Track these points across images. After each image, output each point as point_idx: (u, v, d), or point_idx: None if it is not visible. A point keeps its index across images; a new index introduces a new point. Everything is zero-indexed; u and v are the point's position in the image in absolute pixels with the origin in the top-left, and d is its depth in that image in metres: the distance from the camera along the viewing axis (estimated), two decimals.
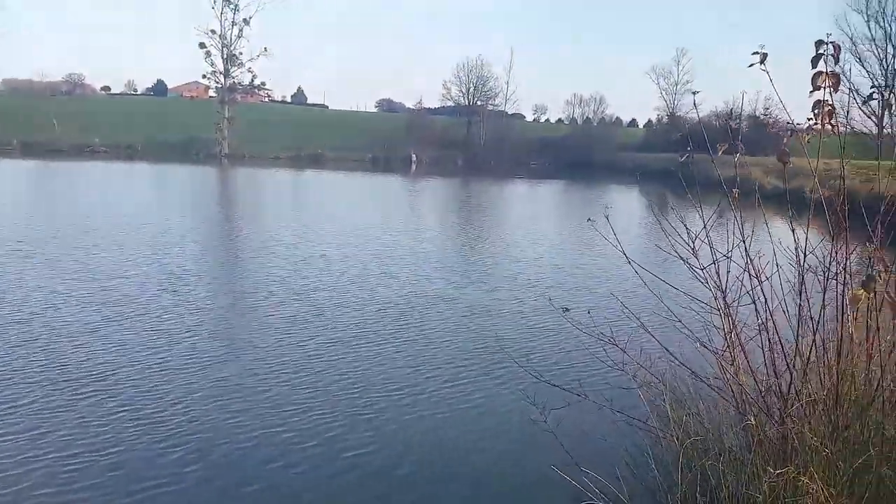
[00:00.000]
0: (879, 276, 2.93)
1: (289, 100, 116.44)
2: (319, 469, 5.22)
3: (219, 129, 63.50)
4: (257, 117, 70.53)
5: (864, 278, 2.92)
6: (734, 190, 4.01)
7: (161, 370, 7.13)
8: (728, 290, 4.18)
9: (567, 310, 4.65)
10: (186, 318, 9.18)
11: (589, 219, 4.85)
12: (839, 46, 4.36)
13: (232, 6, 64.45)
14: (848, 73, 58.16)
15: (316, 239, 16.84)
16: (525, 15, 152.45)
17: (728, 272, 4.19)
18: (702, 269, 4.25)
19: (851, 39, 60.78)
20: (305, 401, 6.50)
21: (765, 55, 4.36)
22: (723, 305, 4.10)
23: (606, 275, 13.56)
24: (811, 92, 4.03)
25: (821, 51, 3.89)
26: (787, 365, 3.62)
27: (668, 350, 4.35)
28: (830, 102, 4.15)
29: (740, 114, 74.97)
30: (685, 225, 4.34)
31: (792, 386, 3.64)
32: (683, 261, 4.25)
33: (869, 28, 59.73)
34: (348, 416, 6.22)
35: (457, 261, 14.30)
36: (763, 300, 4.09)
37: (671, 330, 4.51)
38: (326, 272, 12.62)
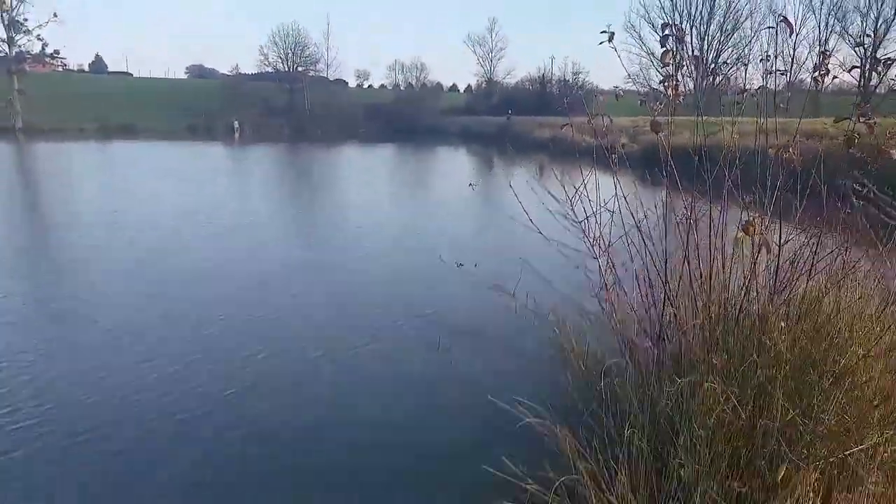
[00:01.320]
0: (753, 220, 3.65)
1: (86, 69, 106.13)
2: (228, 439, 5.25)
3: (9, 102, 56.70)
4: (54, 89, 63.86)
5: (743, 223, 3.62)
6: (620, 147, 4.57)
7: None
8: (601, 239, 4.81)
9: (461, 265, 5.06)
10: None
11: (471, 184, 5.27)
12: (682, 29, 5.10)
13: None
14: (643, 38, 64.39)
15: (159, 216, 15.92)
16: None
17: (598, 224, 4.82)
18: (579, 223, 4.83)
19: (644, 7, 66.97)
20: (200, 380, 6.39)
21: (612, 34, 4.98)
22: (601, 249, 4.72)
23: (482, 234, 14.14)
24: (663, 66, 4.72)
25: (666, 32, 4.56)
26: (665, 292, 4.32)
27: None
28: (676, 77, 4.90)
29: (551, 79, 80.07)
30: (563, 185, 4.86)
31: (666, 310, 4.37)
32: (564, 216, 4.80)
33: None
34: (255, 388, 6.22)
35: (329, 229, 14.15)
36: (633, 245, 4.79)
37: (555, 278, 5.07)
38: (194, 248, 12.00)
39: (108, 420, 5.30)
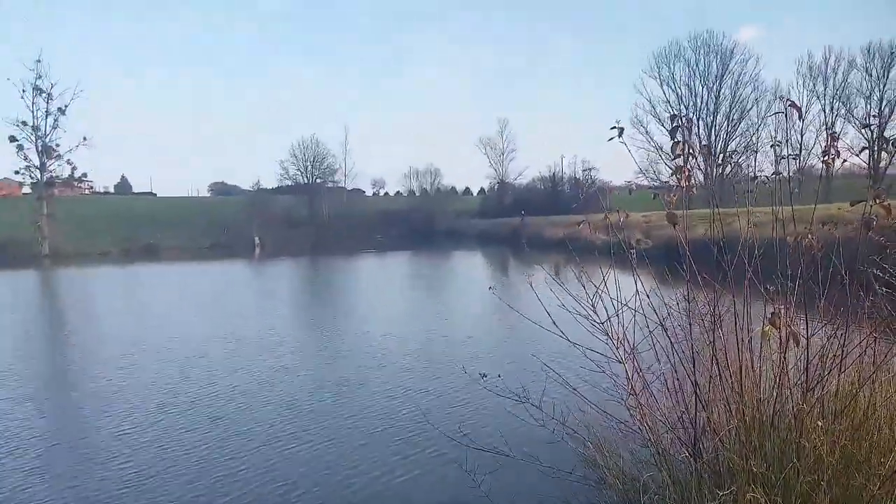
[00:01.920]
0: (779, 313, 3.51)
1: (112, 190, 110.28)
2: None
3: (38, 227, 58.35)
4: (80, 212, 66.07)
5: (769, 316, 3.49)
6: (635, 244, 4.50)
7: None
8: (624, 340, 4.66)
9: (484, 376, 4.92)
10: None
11: (490, 287, 5.21)
12: (691, 119, 5.17)
13: (45, 95, 60.23)
14: (650, 132, 66.21)
15: (178, 346, 15.91)
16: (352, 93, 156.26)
17: (621, 324, 4.68)
18: (602, 323, 4.70)
19: (650, 101, 69.34)
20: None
21: (622, 129, 5.04)
22: (625, 352, 4.57)
23: (504, 341, 13.92)
24: (674, 158, 4.73)
25: (675, 123, 4.59)
26: (696, 395, 4.11)
27: (584, 397, 4.72)
28: (688, 168, 4.90)
29: (562, 177, 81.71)
30: (583, 285, 4.78)
31: (698, 415, 4.15)
32: (585, 317, 4.67)
33: (663, 91, 68.45)
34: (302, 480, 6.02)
35: (351, 344, 14.01)
36: (658, 344, 4.62)
37: (579, 383, 4.89)
38: (214, 376, 11.85)
39: None
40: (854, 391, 3.86)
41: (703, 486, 3.62)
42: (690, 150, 4.67)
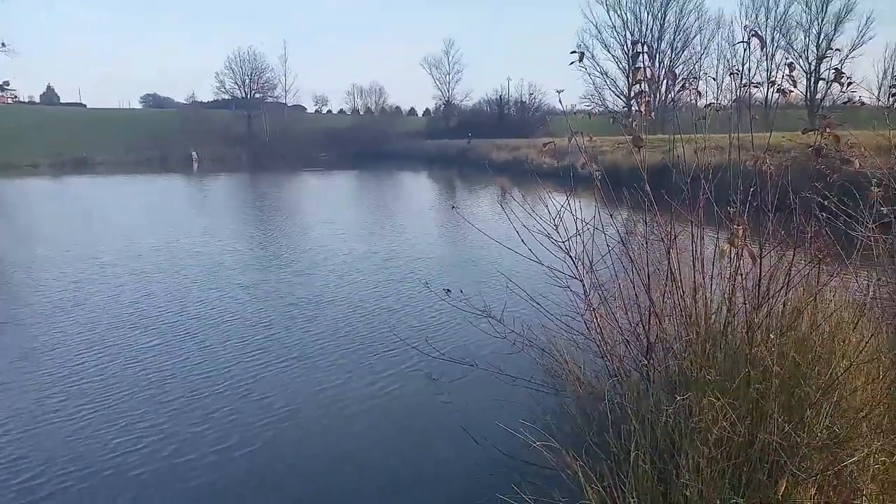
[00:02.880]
0: (737, 234, 3.71)
1: (38, 100, 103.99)
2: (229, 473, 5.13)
3: None
4: (4, 122, 62.40)
5: (728, 235, 3.68)
6: (594, 173, 4.59)
7: None
8: (584, 259, 4.82)
9: (448, 291, 5.04)
10: None
11: (453, 206, 5.26)
12: (653, 46, 5.20)
13: None
14: (596, 57, 66.21)
15: (142, 257, 15.52)
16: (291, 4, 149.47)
17: (581, 243, 4.83)
18: (563, 242, 4.83)
19: (596, 26, 69.20)
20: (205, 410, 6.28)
21: (582, 53, 5.06)
22: (584, 269, 4.73)
23: (464, 259, 14.05)
24: (634, 83, 4.79)
25: (637, 50, 4.64)
26: (651, 309, 4.35)
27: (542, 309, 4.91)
28: (648, 93, 4.98)
29: (508, 99, 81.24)
30: (545, 205, 4.87)
31: (652, 329, 4.40)
32: (548, 236, 4.79)
33: (610, 17, 68.18)
34: (253, 419, 6.16)
35: (311, 262, 13.88)
36: (615, 263, 4.82)
37: (539, 299, 5.06)
38: (188, 289, 11.63)
39: None
40: (801, 307, 4.13)
41: (657, 394, 3.86)
42: (651, 76, 4.75)
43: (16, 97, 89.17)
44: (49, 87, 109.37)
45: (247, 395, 6.63)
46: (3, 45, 56.76)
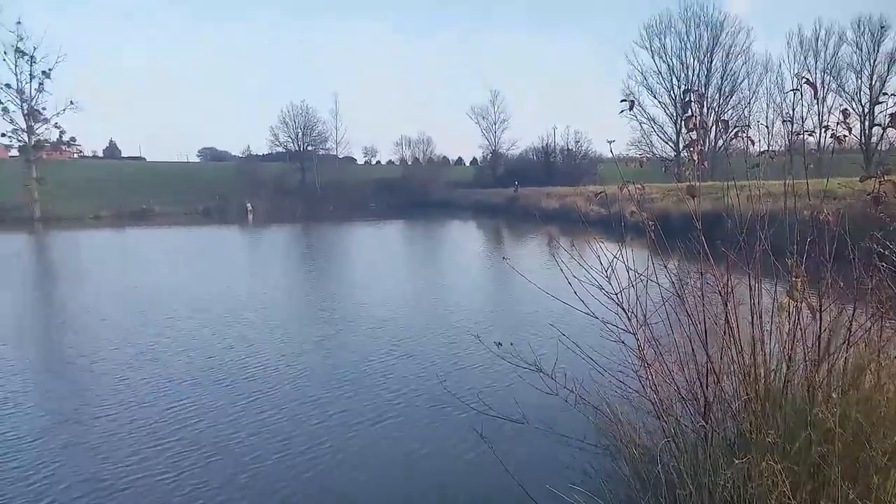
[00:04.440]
0: (797, 286, 3.60)
1: (101, 154, 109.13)
2: None
3: (28, 191, 57.94)
4: (70, 175, 65.39)
5: (787, 287, 3.58)
6: (649, 220, 4.54)
7: None
8: (637, 312, 4.73)
9: (499, 344, 4.99)
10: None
11: (504, 257, 5.26)
12: (703, 94, 5.19)
13: (27, 58, 59.27)
14: (642, 103, 66.15)
15: (197, 312, 15.95)
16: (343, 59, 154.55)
17: (635, 295, 4.75)
18: (616, 294, 4.76)
19: (641, 73, 69.30)
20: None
21: (633, 102, 5.08)
22: (637, 323, 4.64)
23: (514, 311, 14.05)
24: (688, 131, 4.76)
25: (687, 98, 4.62)
26: (708, 366, 4.22)
27: (596, 364, 4.82)
28: (700, 142, 4.94)
29: (554, 147, 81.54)
30: (597, 256, 4.82)
31: (710, 387, 4.26)
32: (600, 288, 4.73)
33: (655, 63, 68.30)
34: (299, 470, 6.20)
35: (360, 314, 13.99)
36: (670, 316, 4.71)
37: (592, 353, 4.97)
38: (245, 343, 11.91)
39: None
40: (863, 365, 3.96)
41: (715, 457, 3.72)
42: (703, 124, 4.72)
43: (81, 152, 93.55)
44: (111, 142, 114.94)
45: (283, 453, 6.65)
46: (71, 102, 60.30)
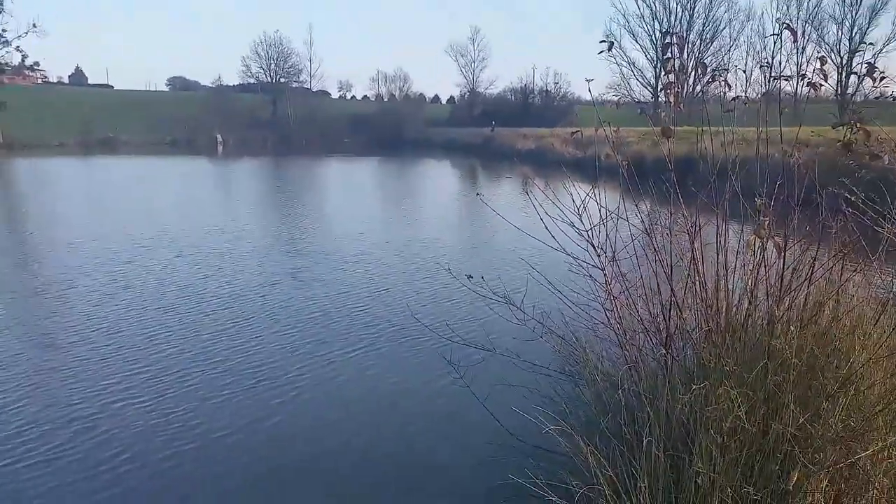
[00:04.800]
0: (765, 225, 3.73)
1: (66, 80, 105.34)
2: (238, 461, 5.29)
3: None
4: (33, 101, 63.35)
5: (755, 226, 3.71)
6: (623, 162, 4.61)
7: None
8: (606, 248, 4.86)
9: (470, 277, 5.12)
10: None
11: (478, 193, 5.32)
12: (682, 37, 5.21)
13: None
14: (623, 47, 65.53)
15: (177, 238, 15.78)
16: None
17: (605, 232, 4.87)
18: (587, 231, 4.87)
19: (624, 16, 68.49)
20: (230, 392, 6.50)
21: (612, 43, 5.08)
22: (606, 258, 4.77)
23: (486, 246, 14.26)
24: (666, 73, 4.80)
25: (668, 40, 4.65)
26: (672, 300, 4.39)
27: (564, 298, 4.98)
28: (677, 84, 4.99)
29: (533, 88, 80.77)
30: (570, 193, 4.91)
31: (672, 319, 4.44)
32: (571, 225, 4.84)
33: (638, 6, 67.44)
34: (272, 396, 6.37)
35: (334, 244, 14.08)
36: (637, 254, 4.85)
37: (560, 286, 5.12)
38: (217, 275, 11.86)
39: None
40: (822, 301, 4.15)
41: (674, 381, 3.92)
42: (682, 66, 4.76)
43: (45, 78, 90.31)
44: (77, 69, 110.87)
45: (257, 381, 6.78)
46: (33, 26, 57.75)
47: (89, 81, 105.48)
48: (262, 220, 18.82)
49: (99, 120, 64.39)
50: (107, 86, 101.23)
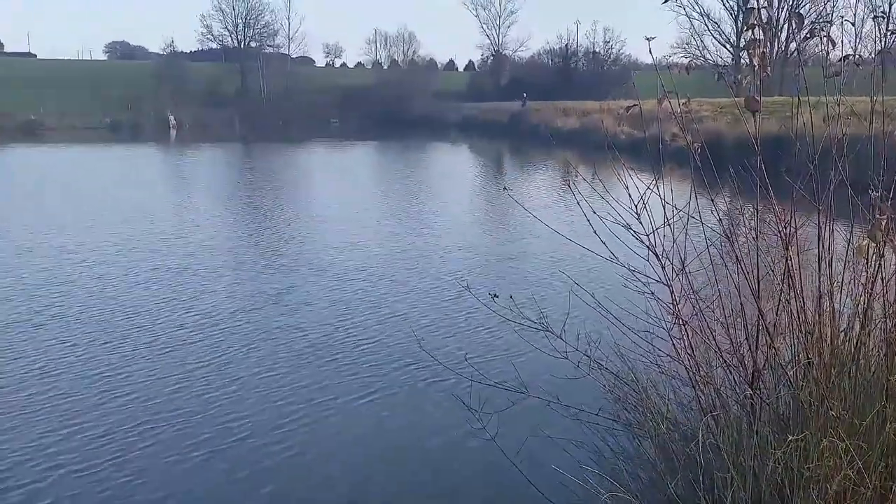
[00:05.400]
0: (881, 226, 3.69)
1: None
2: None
3: None
4: None
5: (869, 226, 3.68)
6: (695, 144, 4.59)
7: None
8: (673, 258, 4.83)
9: (496, 296, 5.10)
10: None
11: (505, 187, 5.32)
12: None
13: None
14: None
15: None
16: None
17: (671, 238, 4.84)
18: (647, 236, 4.85)
19: None
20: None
21: None
22: (673, 271, 4.75)
23: (516, 255, 14.28)
24: (748, 28, 4.76)
25: None
26: (760, 324, 4.35)
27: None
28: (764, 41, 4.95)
29: (576, 50, 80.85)
30: (626, 187, 4.90)
31: (760, 350, 4.41)
32: (627, 227, 4.82)
33: None
34: (272, 436, 6.57)
35: (327, 257, 14.24)
36: (714, 265, 4.82)
37: (612, 308, 5.09)
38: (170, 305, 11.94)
39: None
40: None
41: (763, 433, 3.88)
42: (769, 18, 4.73)
43: None
44: None
45: (237, 438, 6.81)
46: None
47: (5, 49, 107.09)
48: (232, 227, 18.94)
49: (19, 98, 65.11)
50: (28, 54, 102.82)
